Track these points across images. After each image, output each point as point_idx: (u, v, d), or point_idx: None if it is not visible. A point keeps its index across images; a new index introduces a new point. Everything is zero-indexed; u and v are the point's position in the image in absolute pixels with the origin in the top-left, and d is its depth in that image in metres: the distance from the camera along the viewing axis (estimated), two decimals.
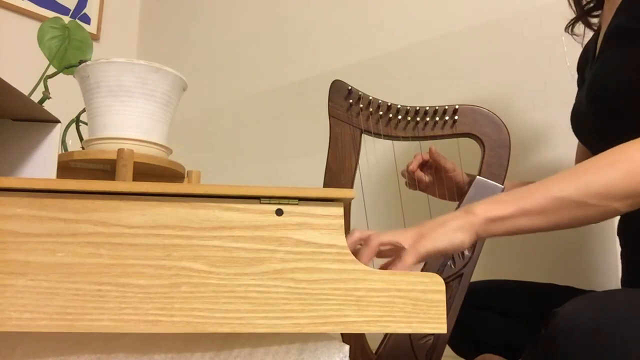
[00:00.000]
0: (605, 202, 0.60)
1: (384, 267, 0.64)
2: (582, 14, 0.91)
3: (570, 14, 0.94)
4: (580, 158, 1.01)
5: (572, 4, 0.91)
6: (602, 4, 0.86)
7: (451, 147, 0.96)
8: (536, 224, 0.62)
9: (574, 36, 0.96)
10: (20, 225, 0.53)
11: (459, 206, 0.87)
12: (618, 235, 0.88)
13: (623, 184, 0.59)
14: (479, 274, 0.87)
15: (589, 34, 0.94)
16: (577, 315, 0.57)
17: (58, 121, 0.70)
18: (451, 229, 0.62)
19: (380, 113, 0.88)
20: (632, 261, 0.85)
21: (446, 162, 0.96)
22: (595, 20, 0.91)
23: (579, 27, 0.94)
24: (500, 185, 0.86)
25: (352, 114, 0.88)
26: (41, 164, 0.69)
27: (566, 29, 0.96)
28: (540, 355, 0.61)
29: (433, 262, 0.83)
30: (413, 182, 1.00)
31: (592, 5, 0.89)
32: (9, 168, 0.68)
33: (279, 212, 0.56)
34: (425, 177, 0.98)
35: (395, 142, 0.94)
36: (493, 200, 0.65)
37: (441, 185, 0.98)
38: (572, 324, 0.57)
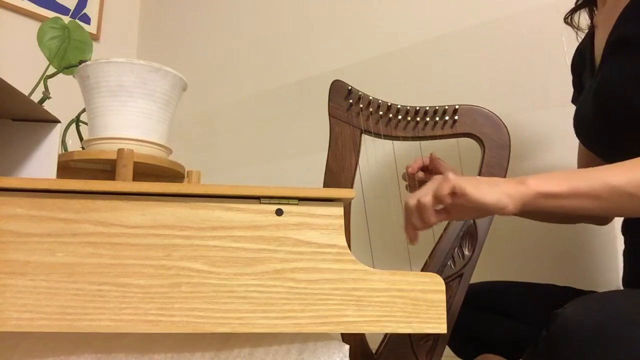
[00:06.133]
0: None
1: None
2: (586, 2, 0.90)
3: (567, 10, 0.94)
4: (583, 160, 1.00)
5: None
6: None
7: (451, 147, 0.96)
8: (585, 206, 0.63)
9: (574, 29, 0.95)
10: (20, 225, 0.53)
11: None
12: (622, 233, 0.88)
13: None
14: (479, 274, 0.87)
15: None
16: (579, 316, 0.57)
17: (58, 121, 0.70)
18: (502, 191, 0.63)
19: (380, 113, 0.88)
20: (634, 259, 0.85)
21: (444, 169, 0.96)
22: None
23: (577, 20, 0.94)
24: None
25: (352, 114, 0.88)
26: (41, 164, 0.69)
27: (565, 18, 0.95)
28: (541, 356, 0.61)
29: (433, 262, 0.83)
30: (414, 185, 1.00)
31: None
32: (9, 168, 0.68)
33: (279, 212, 0.56)
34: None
35: (395, 142, 0.94)
36: (547, 175, 0.65)
37: None
38: (574, 325, 0.57)
